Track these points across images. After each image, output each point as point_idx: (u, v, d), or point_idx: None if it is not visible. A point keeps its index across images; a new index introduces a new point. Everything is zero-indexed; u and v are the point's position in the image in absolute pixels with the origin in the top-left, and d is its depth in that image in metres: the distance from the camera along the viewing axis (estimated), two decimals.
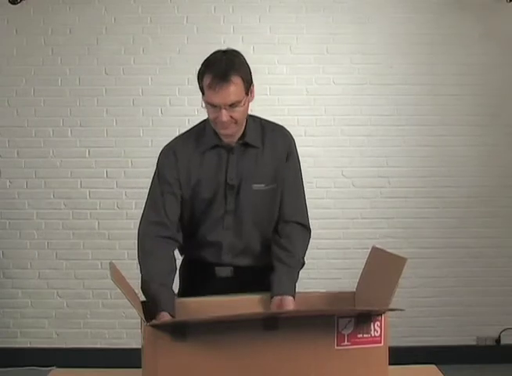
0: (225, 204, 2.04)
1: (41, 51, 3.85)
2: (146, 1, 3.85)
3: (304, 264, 2.06)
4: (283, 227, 2.08)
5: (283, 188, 2.07)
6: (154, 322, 1.46)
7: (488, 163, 3.93)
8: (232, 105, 1.89)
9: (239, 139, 2.03)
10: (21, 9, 3.83)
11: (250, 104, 2.02)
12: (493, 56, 3.89)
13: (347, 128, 3.89)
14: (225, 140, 2.01)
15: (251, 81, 1.99)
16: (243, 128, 2.03)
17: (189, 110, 3.64)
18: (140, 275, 1.98)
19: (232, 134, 1.98)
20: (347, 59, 3.88)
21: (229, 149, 2.03)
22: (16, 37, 3.85)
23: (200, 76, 1.93)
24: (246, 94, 1.95)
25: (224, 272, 2.10)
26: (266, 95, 3.85)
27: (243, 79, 1.92)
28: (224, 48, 2.00)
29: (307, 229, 2.11)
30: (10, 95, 3.86)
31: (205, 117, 2.04)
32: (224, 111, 1.88)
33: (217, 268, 2.10)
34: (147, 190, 2.20)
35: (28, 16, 3.84)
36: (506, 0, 3.85)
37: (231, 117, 1.90)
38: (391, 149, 3.90)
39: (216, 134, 2.01)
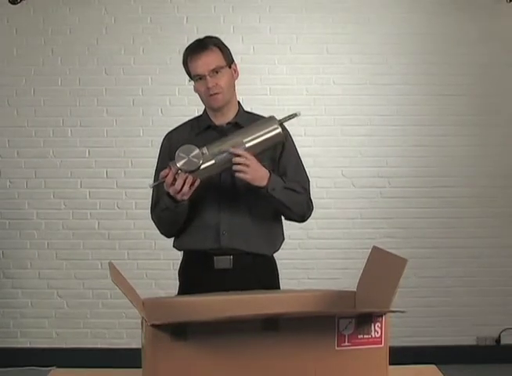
0: (219, 185, 2.11)
1: (41, 51, 3.85)
2: (146, 1, 3.86)
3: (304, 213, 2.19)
4: None
5: (285, 172, 2.15)
6: (155, 322, 1.46)
7: (488, 163, 3.93)
8: (215, 70, 2.06)
9: (231, 120, 2.16)
10: (21, 9, 3.83)
11: (236, 83, 2.17)
12: (493, 56, 3.90)
13: (347, 128, 3.89)
14: (218, 121, 2.15)
15: (232, 58, 2.15)
16: (236, 110, 2.18)
17: (189, 110, 3.60)
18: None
19: (220, 104, 2.11)
20: (347, 59, 3.88)
21: (220, 130, 2.15)
22: (16, 37, 3.85)
23: (185, 60, 2.13)
24: (228, 66, 2.11)
25: (223, 262, 2.12)
26: (266, 95, 3.86)
27: (220, 49, 2.11)
28: None
29: (309, 204, 2.21)
30: (10, 95, 3.86)
31: None
32: (208, 78, 2.06)
33: (216, 258, 2.12)
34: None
35: (28, 16, 3.84)
36: (506, 0, 3.85)
37: (216, 84, 2.07)
38: (391, 149, 3.90)
39: (209, 117, 2.17)
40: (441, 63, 3.89)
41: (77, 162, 3.87)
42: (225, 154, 1.97)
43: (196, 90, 2.14)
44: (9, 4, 3.80)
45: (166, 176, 1.96)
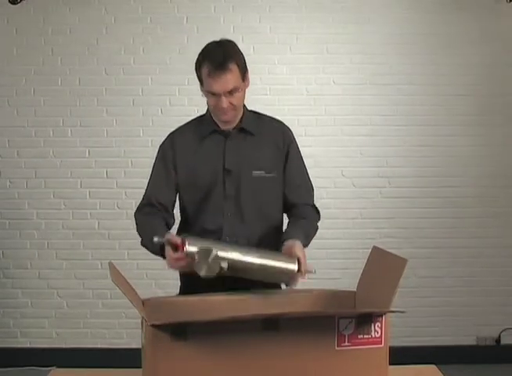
0: (223, 190, 2.08)
1: (41, 51, 3.85)
2: (146, 1, 3.86)
3: (317, 228, 2.25)
4: (297, 209, 2.18)
5: (290, 178, 2.17)
6: (155, 322, 1.46)
7: (488, 163, 3.93)
8: (231, 91, 1.98)
9: (237, 125, 2.11)
10: (21, 9, 3.83)
11: (246, 91, 2.09)
12: (493, 56, 3.90)
13: (347, 128, 3.89)
14: (224, 127, 2.11)
15: (246, 68, 2.06)
16: (241, 115, 2.12)
17: (189, 110, 3.61)
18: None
19: (230, 119, 2.07)
20: (347, 59, 3.88)
21: (226, 135, 2.11)
22: (16, 37, 3.85)
23: (198, 66, 2.01)
24: (243, 80, 2.04)
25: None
26: (266, 95, 3.85)
27: (238, 66, 2.00)
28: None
29: (317, 210, 2.28)
30: (10, 95, 3.86)
31: None
32: (223, 98, 1.97)
33: None
34: None
35: (28, 16, 3.84)
36: (506, 0, 3.85)
37: (230, 103, 1.99)
38: (391, 149, 3.90)
39: (214, 121, 2.11)
40: (441, 63, 3.89)
41: (77, 162, 3.87)
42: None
43: (205, 97, 2.06)
44: (9, 4, 3.80)
45: (175, 245, 1.84)
